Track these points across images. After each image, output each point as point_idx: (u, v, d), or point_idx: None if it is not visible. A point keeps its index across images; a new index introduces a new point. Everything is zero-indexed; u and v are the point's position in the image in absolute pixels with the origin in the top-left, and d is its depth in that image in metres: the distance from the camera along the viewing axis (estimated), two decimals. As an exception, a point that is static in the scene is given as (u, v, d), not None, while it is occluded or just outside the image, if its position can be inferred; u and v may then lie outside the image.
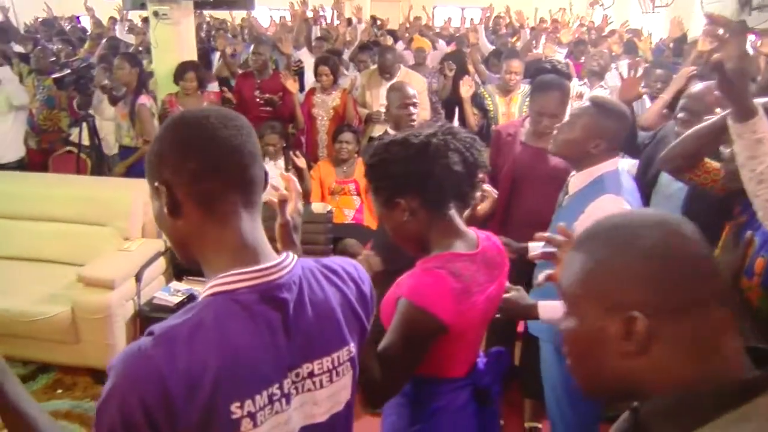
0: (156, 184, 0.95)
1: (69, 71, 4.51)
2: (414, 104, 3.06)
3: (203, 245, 0.96)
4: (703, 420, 0.69)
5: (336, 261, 1.11)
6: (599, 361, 0.77)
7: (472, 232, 1.54)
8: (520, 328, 2.98)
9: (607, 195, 1.94)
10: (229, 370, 0.87)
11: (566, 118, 2.70)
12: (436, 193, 1.45)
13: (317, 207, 3.69)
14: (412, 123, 3.00)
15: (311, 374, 0.99)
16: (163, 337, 0.86)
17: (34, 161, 4.92)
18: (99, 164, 4.73)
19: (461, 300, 1.37)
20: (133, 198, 3.70)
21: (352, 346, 1.06)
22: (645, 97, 3.52)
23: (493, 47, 6.43)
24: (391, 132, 2.83)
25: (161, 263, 3.66)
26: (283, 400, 0.94)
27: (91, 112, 4.74)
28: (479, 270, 1.45)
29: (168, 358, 0.84)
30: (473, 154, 1.48)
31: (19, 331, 3.18)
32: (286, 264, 0.97)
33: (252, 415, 0.89)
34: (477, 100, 4.24)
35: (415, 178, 1.43)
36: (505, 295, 1.77)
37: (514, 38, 7.30)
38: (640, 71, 3.17)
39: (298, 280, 0.98)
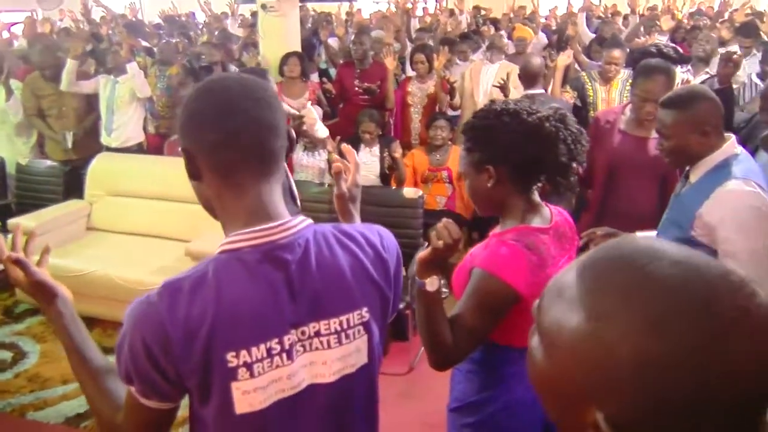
0: (179, 149, 1.02)
1: (199, 63, 4.90)
2: None
3: (221, 210, 1.02)
4: None
5: (357, 227, 1.11)
6: (557, 404, 0.62)
7: (545, 207, 1.56)
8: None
9: (733, 180, 1.85)
10: (225, 321, 0.92)
11: (653, 135, 2.60)
12: (531, 175, 1.48)
13: (409, 192, 3.76)
14: None
15: (318, 333, 1.00)
16: (168, 288, 0.93)
17: (152, 145, 5.32)
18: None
19: (535, 272, 1.40)
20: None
21: (365, 311, 1.04)
22: (760, 84, 3.30)
23: (594, 34, 6.20)
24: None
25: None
26: (284, 355, 0.97)
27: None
28: (552, 244, 1.48)
29: (169, 306, 0.91)
30: (577, 149, 1.47)
31: (133, 298, 3.48)
32: (292, 225, 0.99)
33: (248, 365, 0.93)
34: (575, 84, 4.17)
35: (517, 155, 1.44)
36: None
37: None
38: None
39: (305, 242, 0.99)
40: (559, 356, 0.58)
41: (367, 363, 1.08)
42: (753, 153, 2.45)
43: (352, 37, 5.60)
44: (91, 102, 4.92)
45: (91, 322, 3.80)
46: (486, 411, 1.54)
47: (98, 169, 4.35)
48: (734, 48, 4.51)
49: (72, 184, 4.57)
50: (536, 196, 1.53)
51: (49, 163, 4.72)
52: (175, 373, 0.92)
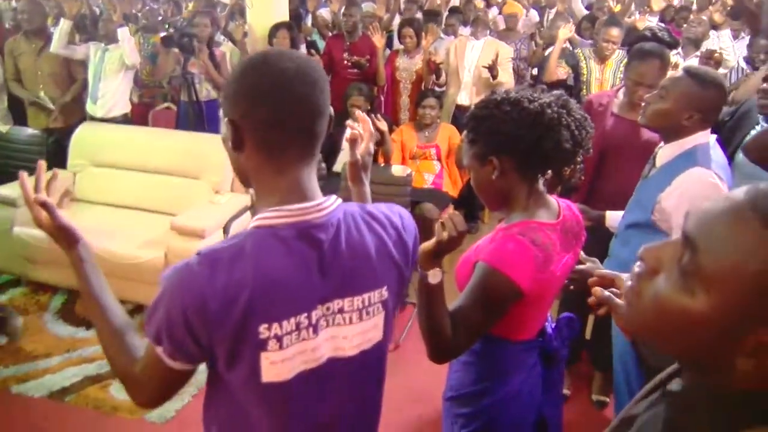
0: (226, 119, 1.02)
1: (174, 30, 4.73)
2: None
3: (258, 183, 1.05)
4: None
5: (381, 209, 1.14)
6: (698, 340, 0.65)
7: (554, 200, 1.53)
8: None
9: (697, 168, 1.87)
10: (261, 294, 0.95)
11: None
12: (536, 164, 1.44)
13: (397, 170, 3.75)
14: None
15: (341, 310, 1.05)
16: (208, 257, 0.96)
17: (137, 114, 5.20)
18: (196, 120, 4.95)
19: (541, 268, 1.39)
20: (225, 153, 3.86)
21: (385, 290, 1.10)
22: (746, 69, 3.31)
23: (588, 11, 6.17)
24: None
25: (247, 217, 3.83)
26: (310, 330, 1.01)
27: (192, 70, 4.93)
28: (558, 239, 1.45)
29: (209, 275, 0.94)
30: (582, 134, 1.43)
31: (118, 272, 3.44)
32: (326, 206, 1.02)
33: (278, 338, 0.98)
34: (571, 60, 4.19)
35: (520, 144, 1.41)
36: (580, 267, 1.77)
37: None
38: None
39: (336, 222, 1.03)
40: (731, 287, 0.61)
41: (381, 339, 1.13)
42: (736, 147, 2.47)
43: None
44: (71, 71, 4.76)
45: (74, 294, 3.77)
46: (480, 403, 1.54)
47: (82, 139, 4.25)
48: (725, 32, 4.52)
49: (54, 154, 4.48)
50: (542, 188, 1.49)
51: (30, 131, 4.60)
52: (207, 339, 0.95)
